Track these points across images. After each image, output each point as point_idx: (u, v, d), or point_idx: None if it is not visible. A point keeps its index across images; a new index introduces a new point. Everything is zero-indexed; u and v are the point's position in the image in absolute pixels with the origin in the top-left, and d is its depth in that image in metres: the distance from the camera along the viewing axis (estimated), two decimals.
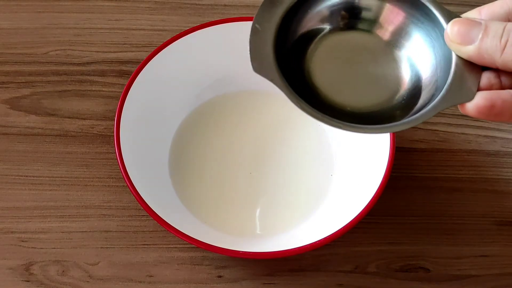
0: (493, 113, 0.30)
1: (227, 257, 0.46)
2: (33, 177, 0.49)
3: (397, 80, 0.35)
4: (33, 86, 0.52)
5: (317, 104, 0.33)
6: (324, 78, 0.35)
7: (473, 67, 0.32)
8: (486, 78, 0.31)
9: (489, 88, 0.31)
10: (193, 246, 0.45)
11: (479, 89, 0.31)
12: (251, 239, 0.46)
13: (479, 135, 0.52)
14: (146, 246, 0.47)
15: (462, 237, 0.48)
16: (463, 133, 0.52)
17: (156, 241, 0.47)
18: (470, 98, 0.31)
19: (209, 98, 0.51)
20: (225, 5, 0.56)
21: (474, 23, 0.30)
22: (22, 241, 0.46)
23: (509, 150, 0.52)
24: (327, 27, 0.36)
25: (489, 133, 0.52)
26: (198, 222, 0.46)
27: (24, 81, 0.53)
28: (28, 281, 0.45)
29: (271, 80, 0.33)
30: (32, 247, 0.46)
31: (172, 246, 0.47)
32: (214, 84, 0.50)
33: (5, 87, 0.52)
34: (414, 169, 0.50)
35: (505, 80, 0.31)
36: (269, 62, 0.33)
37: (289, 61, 0.35)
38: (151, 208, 0.41)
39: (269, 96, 0.50)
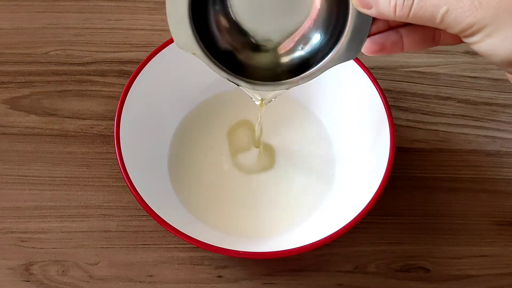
0: (386, 52, 0.35)
1: (227, 257, 0.46)
2: (33, 177, 0.49)
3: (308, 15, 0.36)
4: (33, 86, 0.52)
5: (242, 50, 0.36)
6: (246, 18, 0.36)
7: (364, 18, 0.34)
8: (376, 25, 0.35)
9: (379, 31, 0.35)
10: (193, 246, 0.45)
11: (371, 34, 0.35)
12: (251, 239, 0.46)
13: (479, 135, 0.52)
14: (146, 246, 0.47)
15: (462, 237, 0.48)
16: (463, 133, 0.52)
17: (156, 241, 0.47)
18: (359, 49, 0.34)
19: (208, 98, 0.51)
20: None
21: None
22: (22, 241, 0.47)
23: (509, 150, 0.52)
24: None
25: (489, 133, 0.52)
26: (198, 222, 0.46)
27: (24, 81, 0.53)
28: (28, 281, 0.45)
29: (194, 54, 0.34)
30: (32, 247, 0.46)
31: (172, 246, 0.47)
32: (213, 84, 0.50)
33: (5, 87, 0.52)
34: (414, 169, 0.50)
35: (392, 21, 0.35)
36: (187, 31, 0.34)
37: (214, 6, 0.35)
38: (151, 208, 0.41)
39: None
